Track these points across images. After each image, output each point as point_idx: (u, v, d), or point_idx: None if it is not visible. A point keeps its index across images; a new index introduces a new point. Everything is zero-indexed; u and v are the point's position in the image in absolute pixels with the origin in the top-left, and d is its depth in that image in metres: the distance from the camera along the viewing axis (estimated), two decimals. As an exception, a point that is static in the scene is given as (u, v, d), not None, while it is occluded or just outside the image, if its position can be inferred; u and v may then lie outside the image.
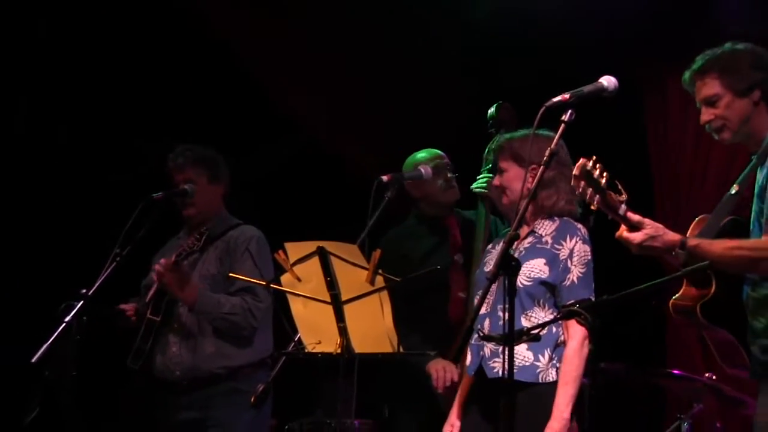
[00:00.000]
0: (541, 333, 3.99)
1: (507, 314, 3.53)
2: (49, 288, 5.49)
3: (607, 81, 3.79)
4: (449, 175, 5.36)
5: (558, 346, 4.23)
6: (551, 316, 4.22)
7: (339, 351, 4.15)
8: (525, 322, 4.15)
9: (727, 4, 6.16)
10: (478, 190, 5.13)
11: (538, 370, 4.19)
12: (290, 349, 4.38)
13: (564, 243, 4.28)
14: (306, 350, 4.25)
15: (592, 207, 3.74)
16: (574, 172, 3.69)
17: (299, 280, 4.23)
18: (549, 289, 4.25)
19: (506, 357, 3.54)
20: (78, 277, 5.00)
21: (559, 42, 6.39)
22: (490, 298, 4.25)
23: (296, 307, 4.27)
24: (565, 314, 3.66)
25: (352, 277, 4.15)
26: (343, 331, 4.16)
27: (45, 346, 4.71)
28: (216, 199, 5.50)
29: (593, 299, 4.20)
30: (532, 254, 4.29)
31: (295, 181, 7.34)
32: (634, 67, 6.39)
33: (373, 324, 4.16)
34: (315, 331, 4.24)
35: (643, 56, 6.51)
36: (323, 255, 4.13)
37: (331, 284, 4.17)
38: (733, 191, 3.94)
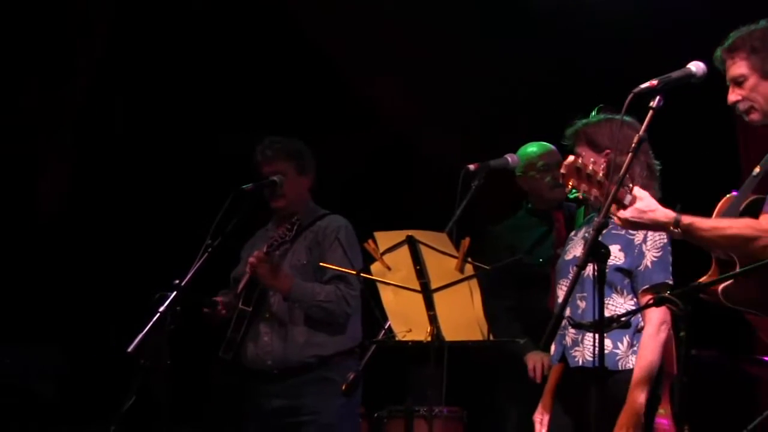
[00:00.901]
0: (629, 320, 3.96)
1: (597, 301, 3.55)
2: (144, 279, 5.56)
3: (696, 66, 3.74)
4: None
5: (637, 333, 4.22)
6: (630, 303, 4.21)
7: (429, 339, 4.15)
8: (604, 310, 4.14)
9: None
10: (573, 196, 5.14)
11: (618, 358, 4.20)
12: (380, 338, 4.37)
13: None
14: (396, 338, 4.25)
15: (590, 200, 3.74)
16: (561, 170, 3.68)
17: (389, 268, 4.24)
18: (626, 275, 4.24)
19: (596, 344, 3.56)
20: (171, 268, 5.05)
21: (645, 28, 6.34)
22: (566, 286, 4.27)
23: (386, 295, 4.28)
24: (657, 301, 3.65)
25: (442, 265, 4.14)
26: (433, 319, 4.16)
27: (140, 336, 4.74)
28: (304, 190, 5.54)
29: (670, 283, 4.17)
30: (607, 240, 4.22)
31: (381, 171, 7.38)
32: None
33: (463, 312, 4.15)
34: (405, 319, 4.24)
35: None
36: (413, 243, 4.13)
37: (421, 273, 4.16)
38: (755, 173, 3.85)
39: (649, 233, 4.23)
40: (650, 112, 3.66)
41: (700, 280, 3.82)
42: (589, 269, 3.67)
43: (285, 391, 5.30)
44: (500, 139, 5.50)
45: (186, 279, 4.95)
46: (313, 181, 5.58)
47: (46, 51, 7.42)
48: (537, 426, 4.42)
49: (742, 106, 3.84)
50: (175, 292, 4.87)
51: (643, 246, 4.24)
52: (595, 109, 4.99)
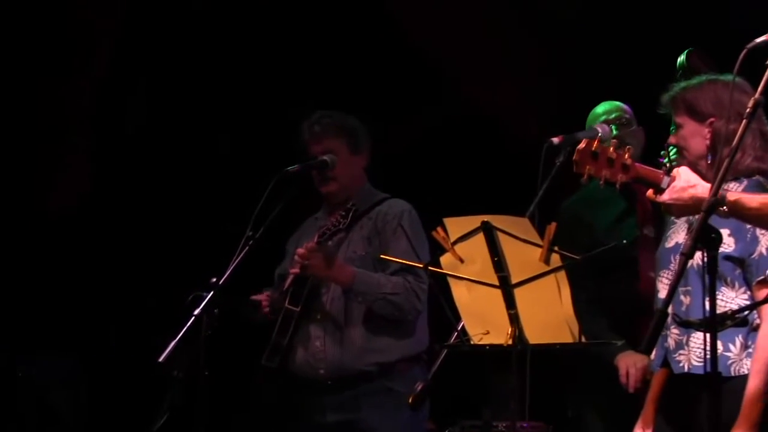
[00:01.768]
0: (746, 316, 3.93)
1: (708, 296, 3.52)
2: (178, 279, 5.61)
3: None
4: (631, 129, 5.35)
5: (752, 332, 4.17)
6: (743, 297, 4.16)
7: (510, 342, 4.13)
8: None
9: None
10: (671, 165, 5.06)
11: (730, 362, 4.16)
12: (452, 341, 4.35)
13: None
14: (471, 342, 4.23)
15: (617, 185, 3.81)
16: (574, 158, 3.73)
17: (461, 260, 4.21)
18: (737, 264, 4.19)
19: (707, 346, 3.53)
20: (207, 267, 5.06)
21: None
22: (667, 281, 4.26)
23: (459, 292, 4.25)
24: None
25: (524, 255, 4.11)
26: (514, 319, 4.14)
27: (173, 343, 4.78)
28: (358, 171, 5.56)
29: None
30: (715, 224, 4.21)
31: (447, 148, 7.38)
32: None
33: (550, 310, 4.13)
34: (481, 319, 4.22)
35: None
36: (489, 231, 4.10)
37: (500, 265, 4.13)
38: None
39: None
40: (767, 70, 3.61)
41: None
42: (696, 257, 3.66)
43: (340, 405, 5.31)
44: (586, 107, 5.47)
45: (224, 277, 4.96)
46: (368, 162, 5.59)
47: (57, 48, 7.71)
48: (638, 442, 4.42)
49: None
50: (212, 293, 4.88)
51: (757, 230, 4.18)
52: (683, 56, 4.97)
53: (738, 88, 3.99)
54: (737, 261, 4.19)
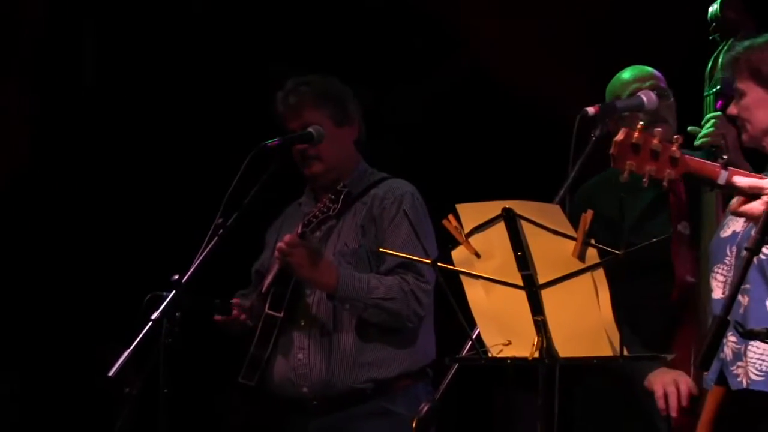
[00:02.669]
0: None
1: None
2: (130, 274, 5.56)
3: None
4: (669, 102, 5.30)
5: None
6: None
7: (536, 355, 4.09)
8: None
9: None
10: (702, 141, 5.08)
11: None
12: (465, 353, 4.30)
13: None
14: (489, 354, 4.19)
15: (664, 183, 3.88)
16: (611, 151, 3.80)
17: (478, 255, 4.16)
18: (803, 261, 4.22)
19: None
20: (169, 260, 5.07)
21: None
22: (722, 278, 4.30)
23: (474, 293, 4.21)
24: None
25: (553, 250, 4.06)
26: (541, 327, 4.09)
27: (126, 354, 4.76)
28: (348, 146, 5.56)
29: None
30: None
31: (461, 120, 7.38)
32: None
33: (584, 316, 4.08)
34: (501, 326, 4.18)
35: None
36: (511, 219, 4.04)
37: (524, 261, 4.08)
38: None
39: None
40: None
41: None
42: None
43: (328, 429, 5.33)
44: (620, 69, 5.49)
45: (188, 273, 4.96)
46: (360, 135, 5.57)
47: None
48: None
49: None
50: (173, 292, 4.88)
51: None
52: (716, 4, 4.91)
53: None
54: (802, 256, 4.23)
